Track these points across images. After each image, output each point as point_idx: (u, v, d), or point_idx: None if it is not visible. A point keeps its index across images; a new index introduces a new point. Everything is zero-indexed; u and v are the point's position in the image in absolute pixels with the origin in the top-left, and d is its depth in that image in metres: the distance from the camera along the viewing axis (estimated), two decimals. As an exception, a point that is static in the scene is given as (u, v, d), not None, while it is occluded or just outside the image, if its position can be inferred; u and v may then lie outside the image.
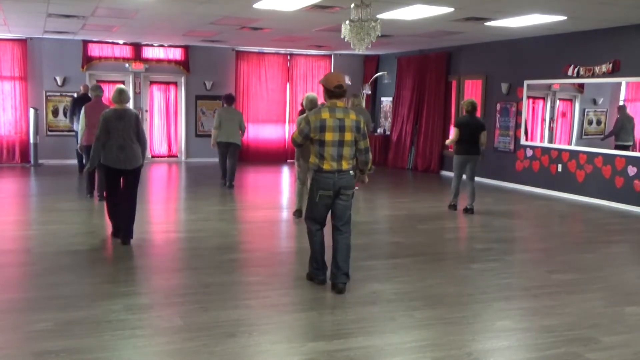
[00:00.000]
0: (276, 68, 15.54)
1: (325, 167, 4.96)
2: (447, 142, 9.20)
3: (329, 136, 4.91)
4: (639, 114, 10.09)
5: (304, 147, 7.57)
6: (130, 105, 14.33)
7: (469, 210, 8.77)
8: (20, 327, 4.14)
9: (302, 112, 8.15)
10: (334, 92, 5.01)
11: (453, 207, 8.98)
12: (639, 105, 10.17)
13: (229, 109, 10.79)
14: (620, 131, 10.44)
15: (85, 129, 8.64)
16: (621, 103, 10.40)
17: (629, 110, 10.29)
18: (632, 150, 9.83)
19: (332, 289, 5.03)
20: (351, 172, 5.05)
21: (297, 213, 8.08)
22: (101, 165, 6.55)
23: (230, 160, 10.73)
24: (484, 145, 8.77)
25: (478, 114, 9.47)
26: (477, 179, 12.01)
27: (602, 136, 10.91)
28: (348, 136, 4.94)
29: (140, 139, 6.51)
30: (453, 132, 8.76)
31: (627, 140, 10.22)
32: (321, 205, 5.09)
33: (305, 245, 7.15)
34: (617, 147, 10.14)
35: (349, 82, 15.50)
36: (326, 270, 5.24)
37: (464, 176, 8.83)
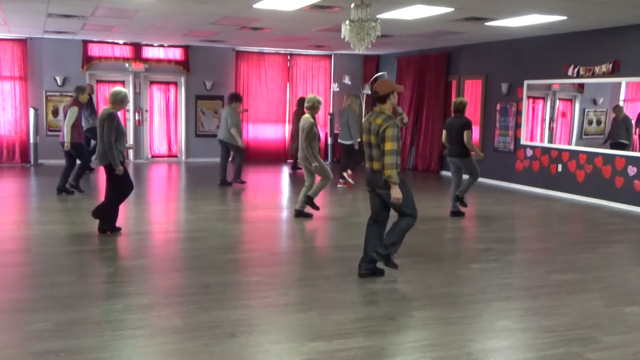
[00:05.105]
0: (276, 68, 15.54)
1: (366, 165, 5.45)
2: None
3: (364, 137, 5.40)
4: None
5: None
6: (130, 105, 14.42)
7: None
8: (20, 327, 4.13)
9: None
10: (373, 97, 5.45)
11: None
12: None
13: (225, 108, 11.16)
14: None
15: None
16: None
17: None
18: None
19: None
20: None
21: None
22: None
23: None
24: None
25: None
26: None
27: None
28: (372, 138, 5.27)
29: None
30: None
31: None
32: (370, 200, 5.62)
33: (305, 245, 7.21)
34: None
35: (349, 82, 15.60)
36: (366, 258, 5.53)
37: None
